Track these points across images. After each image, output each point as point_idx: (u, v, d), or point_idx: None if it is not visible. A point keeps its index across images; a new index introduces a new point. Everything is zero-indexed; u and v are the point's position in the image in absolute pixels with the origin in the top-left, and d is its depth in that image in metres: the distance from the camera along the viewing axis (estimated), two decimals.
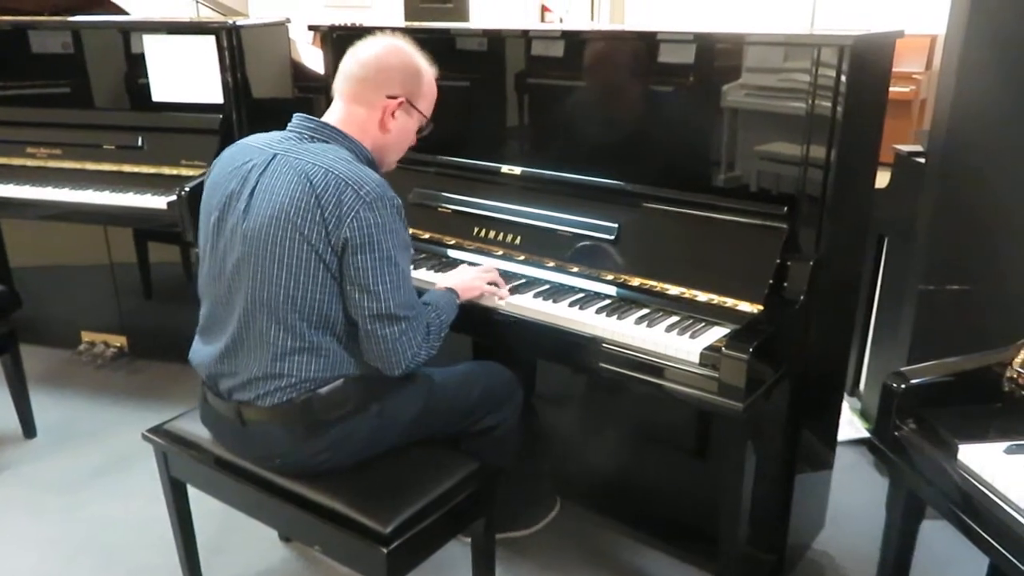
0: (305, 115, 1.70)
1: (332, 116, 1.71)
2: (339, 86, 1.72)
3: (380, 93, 1.70)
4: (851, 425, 2.81)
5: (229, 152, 1.72)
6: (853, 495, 2.46)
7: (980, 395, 1.58)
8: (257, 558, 2.25)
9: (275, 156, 1.62)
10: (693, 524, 2.20)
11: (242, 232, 1.60)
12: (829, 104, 1.67)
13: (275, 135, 1.70)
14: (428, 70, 1.77)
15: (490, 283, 1.94)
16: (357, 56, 1.71)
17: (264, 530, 2.20)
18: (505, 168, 2.18)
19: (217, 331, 1.71)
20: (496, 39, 2.22)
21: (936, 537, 1.88)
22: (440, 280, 1.93)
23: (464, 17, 6.17)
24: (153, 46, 2.87)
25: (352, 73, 1.71)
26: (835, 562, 2.23)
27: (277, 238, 1.56)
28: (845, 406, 2.89)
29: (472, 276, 1.93)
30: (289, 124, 1.71)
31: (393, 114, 1.72)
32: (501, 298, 1.93)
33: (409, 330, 1.61)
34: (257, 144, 1.68)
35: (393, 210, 1.58)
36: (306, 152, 1.61)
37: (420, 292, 1.78)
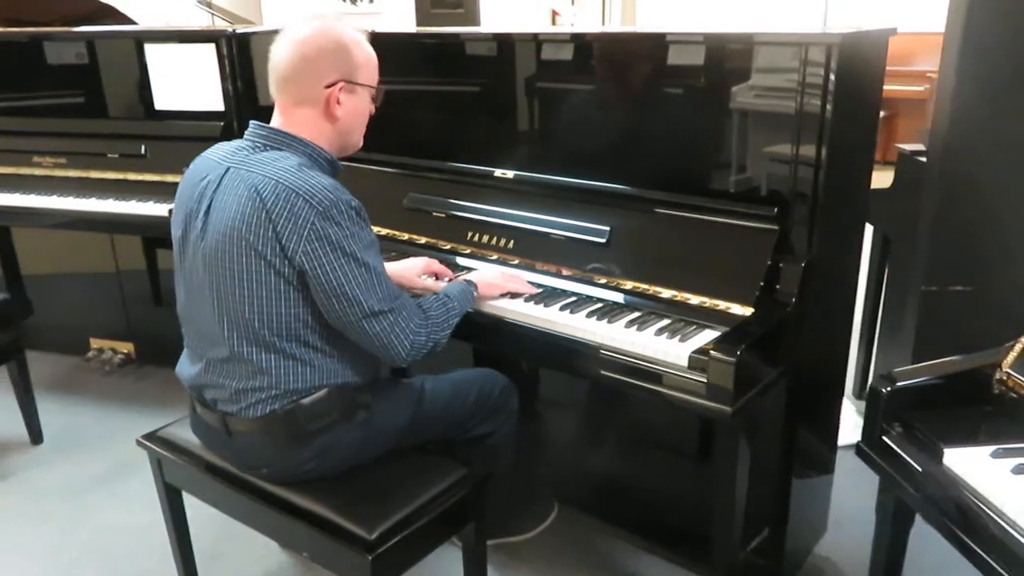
0: (258, 123, 1.65)
1: (279, 122, 1.64)
2: (274, 92, 1.64)
3: (316, 86, 1.61)
4: (857, 428, 2.76)
5: (192, 166, 1.69)
6: (857, 499, 2.41)
7: (970, 397, 1.55)
8: (255, 565, 2.25)
9: (228, 170, 1.58)
10: (692, 529, 2.18)
11: (202, 253, 1.59)
12: (818, 103, 1.65)
13: (232, 145, 1.65)
14: (354, 38, 1.65)
15: (514, 289, 1.91)
16: (277, 60, 1.61)
17: (263, 537, 2.18)
18: (498, 172, 2.17)
19: (197, 348, 1.72)
20: (506, 43, 2.20)
21: (929, 540, 1.84)
22: (466, 274, 1.94)
23: (475, 22, 6.19)
24: (155, 55, 2.89)
25: (280, 78, 1.62)
26: (836, 567, 2.20)
27: (233, 258, 1.54)
28: (852, 409, 2.85)
29: (496, 274, 1.93)
30: (245, 132, 1.66)
31: (337, 100, 1.63)
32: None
33: (399, 320, 1.59)
34: (214, 157, 1.65)
35: (350, 212, 1.53)
36: (257, 163, 1.56)
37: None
